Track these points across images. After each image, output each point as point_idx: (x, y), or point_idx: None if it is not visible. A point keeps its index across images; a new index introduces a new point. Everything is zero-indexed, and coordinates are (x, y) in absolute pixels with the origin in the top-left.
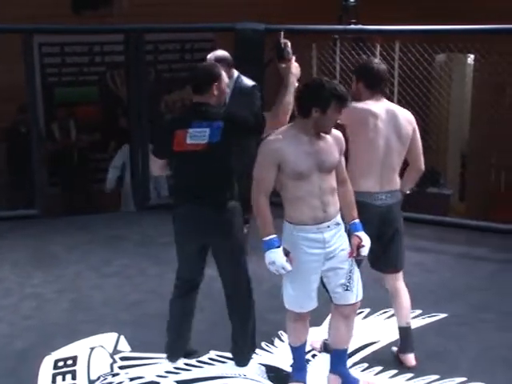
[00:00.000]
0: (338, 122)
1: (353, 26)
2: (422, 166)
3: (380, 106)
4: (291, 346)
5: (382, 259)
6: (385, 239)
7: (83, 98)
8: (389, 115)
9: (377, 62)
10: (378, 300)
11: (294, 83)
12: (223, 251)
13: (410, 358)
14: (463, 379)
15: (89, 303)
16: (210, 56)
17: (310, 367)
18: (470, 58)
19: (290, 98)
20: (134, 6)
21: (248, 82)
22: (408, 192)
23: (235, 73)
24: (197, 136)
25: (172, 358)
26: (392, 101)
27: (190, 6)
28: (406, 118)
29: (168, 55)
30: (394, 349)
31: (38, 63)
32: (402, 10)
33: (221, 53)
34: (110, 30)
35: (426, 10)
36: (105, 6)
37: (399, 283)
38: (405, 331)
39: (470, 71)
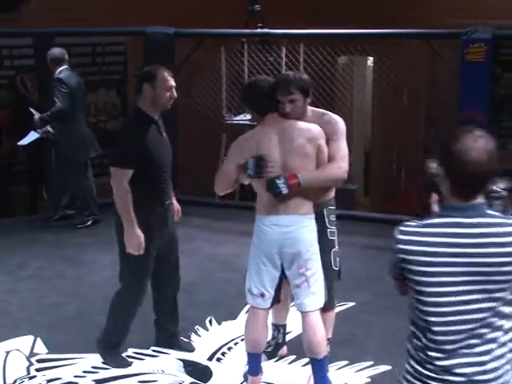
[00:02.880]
0: None
1: (259, 30)
2: None
3: None
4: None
5: None
6: None
7: None
8: None
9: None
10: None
11: None
12: None
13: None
14: (370, 363)
15: (4, 307)
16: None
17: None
18: (370, 61)
19: None
20: (43, 10)
21: (59, 75)
22: None
23: (59, 68)
24: None
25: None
26: None
27: (101, 11)
28: None
29: (79, 58)
30: None
31: None
32: (307, 15)
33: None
34: (19, 34)
35: (330, 15)
36: (13, 9)
37: None
38: None
39: (370, 73)
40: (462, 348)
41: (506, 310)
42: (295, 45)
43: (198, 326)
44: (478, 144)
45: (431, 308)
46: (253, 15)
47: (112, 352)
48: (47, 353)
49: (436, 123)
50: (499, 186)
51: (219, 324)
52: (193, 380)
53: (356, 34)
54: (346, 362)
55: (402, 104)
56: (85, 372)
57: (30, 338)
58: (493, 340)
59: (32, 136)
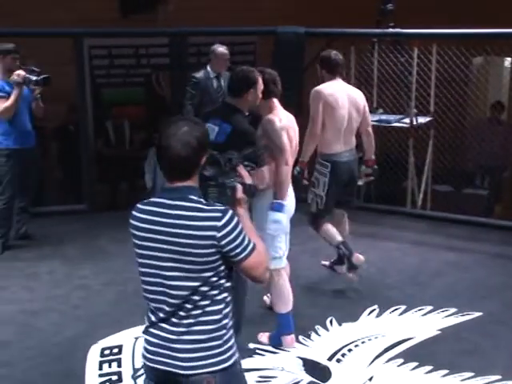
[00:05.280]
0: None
1: (391, 30)
2: (371, 130)
3: (339, 87)
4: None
5: (346, 200)
6: (350, 186)
7: (129, 98)
8: (348, 93)
9: (334, 53)
10: (413, 298)
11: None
12: None
13: (359, 256)
14: (498, 377)
15: (134, 295)
16: (215, 47)
17: (341, 365)
18: (508, 61)
19: None
20: (178, 10)
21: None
22: (373, 157)
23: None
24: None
25: None
26: (428, 102)
27: (233, 11)
28: (360, 96)
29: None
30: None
31: (87, 65)
32: (440, 14)
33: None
34: (155, 34)
35: (463, 14)
36: (151, 10)
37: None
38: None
39: (507, 74)
40: (165, 316)
41: (211, 292)
42: (428, 45)
43: (318, 326)
44: (178, 132)
45: (142, 277)
46: (385, 15)
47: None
48: None
49: None
50: (209, 174)
51: (340, 325)
52: (312, 379)
53: (494, 33)
54: (471, 374)
55: None
56: None
57: None
58: (194, 316)
59: None
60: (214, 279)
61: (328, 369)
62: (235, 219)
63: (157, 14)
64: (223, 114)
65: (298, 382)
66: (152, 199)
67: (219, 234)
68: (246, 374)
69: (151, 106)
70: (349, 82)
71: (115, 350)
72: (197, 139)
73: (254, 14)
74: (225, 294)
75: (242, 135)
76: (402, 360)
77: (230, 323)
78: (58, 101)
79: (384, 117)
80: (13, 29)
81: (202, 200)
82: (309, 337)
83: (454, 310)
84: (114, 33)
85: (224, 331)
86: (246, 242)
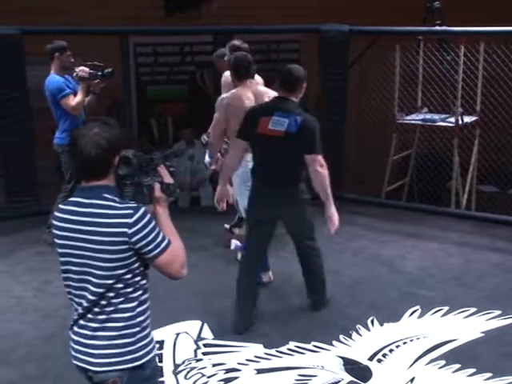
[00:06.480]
0: None
1: (437, 28)
2: None
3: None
4: None
5: None
6: None
7: (173, 95)
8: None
9: (240, 41)
10: (456, 299)
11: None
12: (291, 220)
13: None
14: None
15: (174, 292)
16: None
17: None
18: None
19: None
20: (223, 9)
21: None
22: None
23: None
24: (277, 124)
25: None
26: (474, 102)
27: (277, 9)
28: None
29: (255, 55)
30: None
31: (132, 63)
32: (487, 12)
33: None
34: (200, 31)
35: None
36: (196, 8)
37: None
38: None
39: None
40: (83, 312)
41: (125, 289)
42: (475, 43)
43: (359, 325)
44: (90, 132)
45: (63, 274)
46: (432, 12)
47: None
48: (213, 338)
49: None
50: (122, 173)
51: (381, 325)
52: (352, 379)
53: None
54: None
55: None
56: (248, 360)
57: (198, 322)
58: (107, 312)
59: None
60: (128, 276)
61: (369, 369)
62: (147, 216)
63: (200, 11)
64: (286, 107)
65: (338, 381)
66: (71, 199)
67: (130, 231)
68: (286, 373)
69: (195, 104)
70: (394, 82)
71: (156, 346)
72: (106, 140)
73: (299, 12)
74: (139, 292)
75: (312, 124)
76: (443, 362)
77: (147, 322)
78: (103, 97)
79: (429, 116)
80: (61, 27)
81: (115, 198)
82: (350, 336)
83: (498, 312)
84: (160, 31)
85: (137, 329)
86: (159, 238)
